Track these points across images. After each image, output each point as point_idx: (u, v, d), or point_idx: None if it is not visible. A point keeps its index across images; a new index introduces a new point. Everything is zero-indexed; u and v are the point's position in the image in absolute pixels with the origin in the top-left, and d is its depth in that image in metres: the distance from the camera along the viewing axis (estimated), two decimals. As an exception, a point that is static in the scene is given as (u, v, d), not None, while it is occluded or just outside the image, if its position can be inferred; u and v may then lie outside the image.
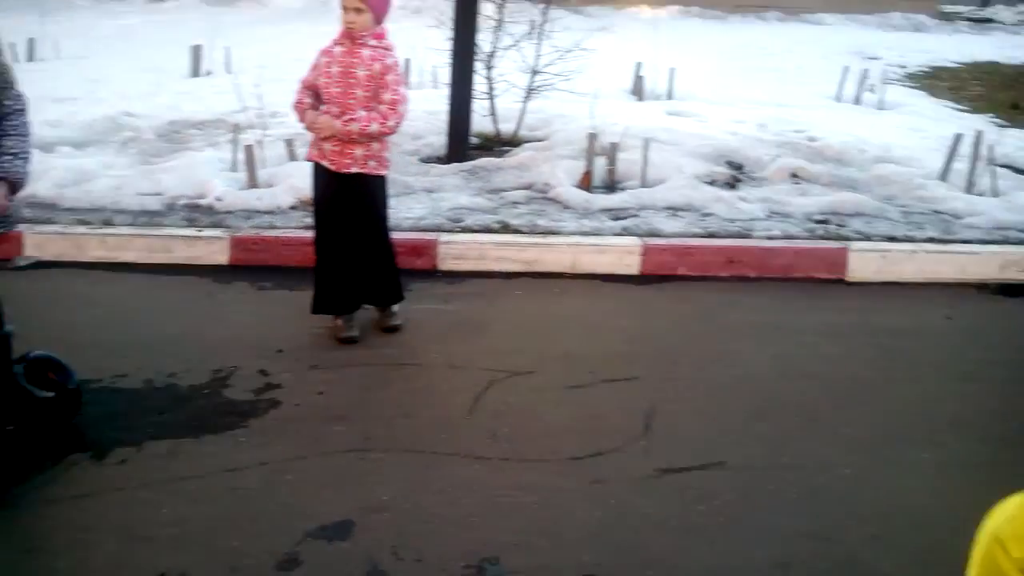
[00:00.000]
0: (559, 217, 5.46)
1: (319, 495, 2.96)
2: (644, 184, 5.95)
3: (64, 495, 2.95)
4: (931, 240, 5.29)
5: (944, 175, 6.25)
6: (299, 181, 5.33)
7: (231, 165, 6.08)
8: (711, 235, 5.26)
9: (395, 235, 4.32)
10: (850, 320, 4.47)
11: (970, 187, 6.02)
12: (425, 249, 5.02)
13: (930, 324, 4.48)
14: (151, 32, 13.31)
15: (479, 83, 6.62)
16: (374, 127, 3.86)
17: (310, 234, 4.27)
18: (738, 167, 6.44)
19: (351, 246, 4.07)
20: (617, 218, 5.48)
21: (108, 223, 5.27)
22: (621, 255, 5.05)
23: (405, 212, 5.40)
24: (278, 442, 3.27)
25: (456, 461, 3.18)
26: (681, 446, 3.30)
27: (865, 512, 2.94)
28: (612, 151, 6.05)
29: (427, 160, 6.48)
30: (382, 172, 4.06)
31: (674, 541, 2.78)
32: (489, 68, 6.87)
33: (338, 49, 3.92)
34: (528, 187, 5.95)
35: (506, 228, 5.28)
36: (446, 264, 5.04)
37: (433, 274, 4.98)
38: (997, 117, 8.75)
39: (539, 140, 6.78)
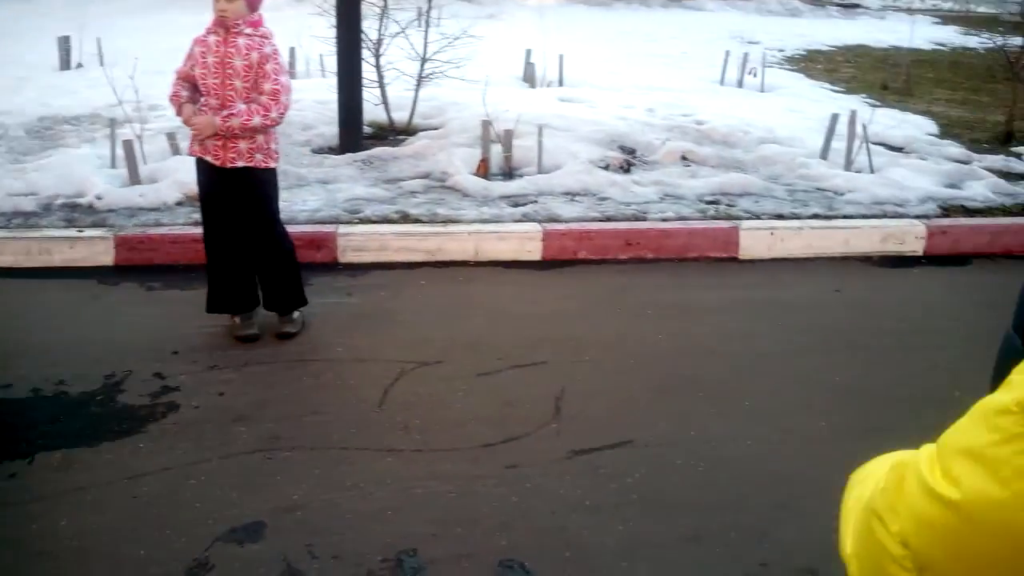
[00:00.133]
0: (458, 205, 5.44)
1: (227, 498, 2.87)
2: (541, 170, 5.99)
3: (-52, 516, 2.76)
4: (816, 216, 5.51)
5: (824, 153, 6.51)
6: (184, 176, 5.15)
7: (110, 162, 5.81)
8: (608, 219, 5.33)
9: (291, 228, 4.21)
10: (745, 296, 4.61)
11: (848, 164, 6.29)
12: (324, 242, 4.92)
13: (820, 297, 4.67)
14: (12, 24, 12.56)
15: (368, 72, 6.51)
16: (256, 120, 3.71)
17: (199, 231, 4.12)
18: (630, 151, 6.54)
19: (242, 243, 3.93)
20: (516, 205, 5.49)
21: (-21, 226, 4.97)
22: (523, 241, 5.06)
23: (300, 205, 5.28)
24: (180, 446, 3.15)
25: (368, 455, 3.13)
26: (591, 427, 3.33)
27: (770, 482, 3.03)
28: (507, 138, 6.06)
29: (319, 151, 6.34)
30: (271, 165, 3.91)
31: (589, 520, 2.80)
32: (377, 56, 6.76)
33: (212, 38, 3.74)
34: (425, 176, 5.91)
35: (406, 218, 5.22)
36: (347, 256, 4.94)
37: (334, 267, 4.88)
38: (869, 97, 9.19)
39: (434, 128, 6.72)
